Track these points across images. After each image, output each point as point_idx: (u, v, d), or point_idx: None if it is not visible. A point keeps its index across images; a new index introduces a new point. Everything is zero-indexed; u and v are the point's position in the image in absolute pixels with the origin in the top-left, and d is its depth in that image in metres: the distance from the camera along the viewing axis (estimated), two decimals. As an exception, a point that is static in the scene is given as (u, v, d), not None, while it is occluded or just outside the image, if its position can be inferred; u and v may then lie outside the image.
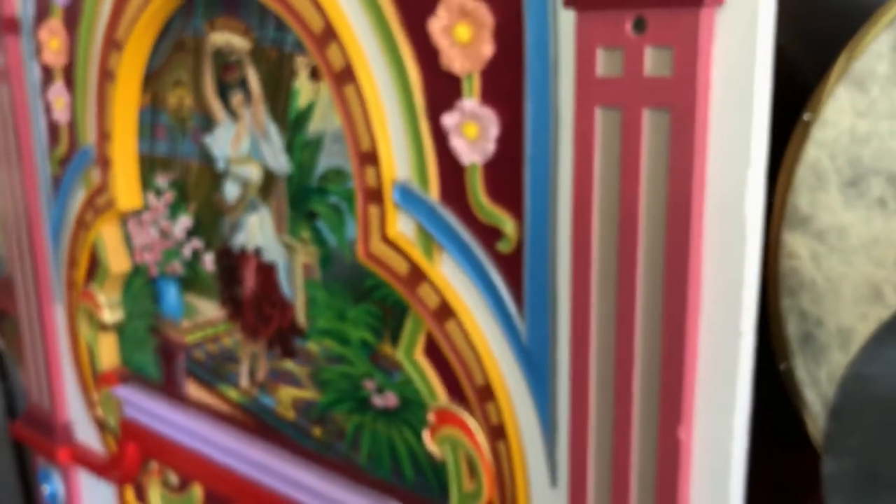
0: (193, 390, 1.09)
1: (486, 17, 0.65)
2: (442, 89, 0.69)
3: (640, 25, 0.56)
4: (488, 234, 0.70)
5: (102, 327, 1.17)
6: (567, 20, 0.60)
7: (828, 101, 0.59)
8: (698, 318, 0.59)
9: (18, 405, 1.97)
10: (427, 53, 0.70)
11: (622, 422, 0.63)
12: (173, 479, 1.12)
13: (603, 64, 0.58)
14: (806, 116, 0.60)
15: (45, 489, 1.34)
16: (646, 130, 0.57)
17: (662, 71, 0.56)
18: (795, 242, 0.62)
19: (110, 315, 1.16)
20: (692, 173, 0.56)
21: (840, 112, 0.58)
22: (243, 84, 0.91)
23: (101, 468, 1.22)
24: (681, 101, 0.55)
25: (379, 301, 0.82)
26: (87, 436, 1.25)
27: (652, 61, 0.56)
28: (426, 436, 0.78)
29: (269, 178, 0.91)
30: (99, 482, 1.25)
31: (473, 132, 0.68)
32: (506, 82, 0.66)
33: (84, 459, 1.26)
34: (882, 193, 0.58)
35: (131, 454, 1.15)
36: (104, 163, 1.05)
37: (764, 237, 0.64)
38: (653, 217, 0.58)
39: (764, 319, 0.66)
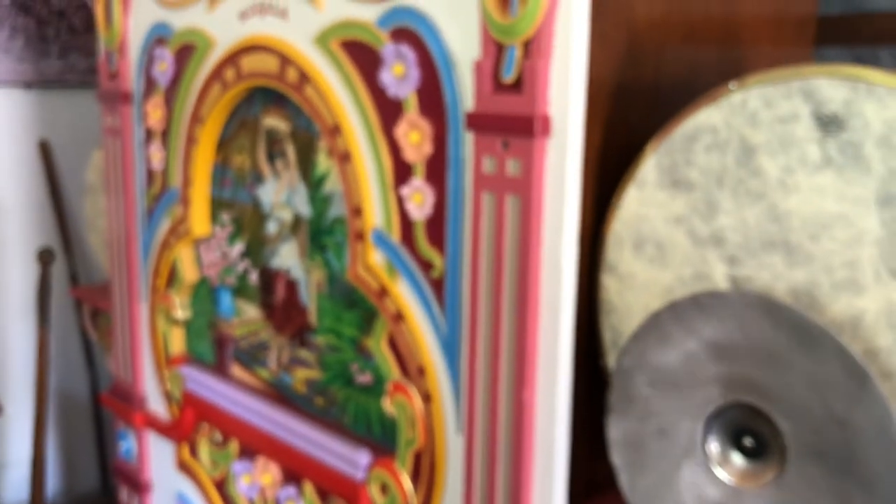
0: (237, 370, 1.48)
1: (428, 129, 1.03)
2: (402, 171, 1.07)
3: (506, 145, 0.94)
4: (426, 266, 1.07)
5: (175, 322, 1.57)
6: (469, 138, 0.98)
7: (624, 193, 0.95)
8: (537, 323, 0.95)
9: (100, 386, 2.41)
10: (394, 148, 1.08)
11: (493, 388, 1.00)
12: (218, 436, 1.50)
13: (486, 165, 0.96)
14: (613, 202, 0.96)
15: (122, 445, 1.74)
16: (507, 208, 0.94)
17: (516, 173, 0.93)
18: (607, 281, 0.98)
19: (182, 313, 1.56)
20: (530, 235, 0.92)
21: (630, 201, 0.95)
22: (284, 154, 1.31)
23: (165, 429, 1.62)
24: (525, 191, 0.92)
25: (362, 308, 1.20)
26: (156, 405, 1.65)
27: (511, 167, 0.94)
28: (385, 401, 1.15)
29: (297, 220, 1.31)
30: (162, 441, 1.64)
31: (419, 199, 1.06)
32: (438, 169, 1.03)
33: (153, 423, 1.65)
34: (652, 253, 0.94)
35: (189, 418, 1.55)
36: (185, 202, 1.46)
37: (594, 277, 1.01)
38: (511, 260, 0.95)
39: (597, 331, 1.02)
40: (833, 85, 0.79)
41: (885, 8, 1.36)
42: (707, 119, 0.88)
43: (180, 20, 1.41)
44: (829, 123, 0.79)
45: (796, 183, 0.83)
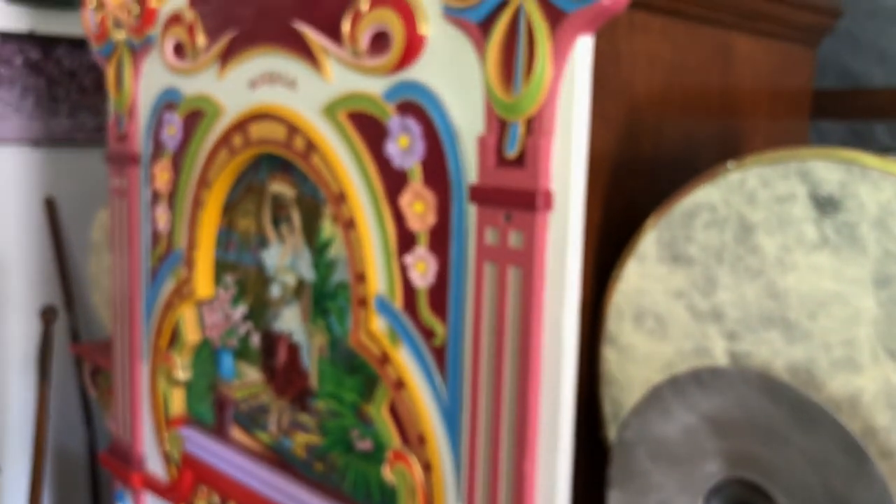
0: (237, 433, 1.48)
1: (432, 200, 1.05)
2: (406, 239, 1.09)
3: (508, 217, 0.96)
4: (428, 334, 1.08)
5: (175, 383, 1.58)
6: (472, 209, 1.00)
7: (624, 267, 0.97)
8: (538, 394, 0.96)
9: (98, 444, 2.39)
10: (399, 217, 1.10)
11: (493, 458, 1.00)
12: (216, 499, 1.50)
13: (489, 236, 0.98)
14: (613, 275, 0.98)
15: (119, 507, 1.73)
16: (509, 278, 0.96)
17: (518, 245, 0.95)
18: (607, 352, 0.99)
19: (183, 374, 1.56)
20: (532, 306, 0.94)
21: (631, 274, 0.96)
22: (289, 219, 1.33)
23: (164, 491, 1.61)
24: (527, 263, 0.94)
25: (364, 374, 1.21)
26: (155, 466, 1.64)
27: (513, 239, 0.95)
28: (385, 469, 1.15)
29: (301, 284, 1.32)
30: (160, 502, 1.63)
31: (423, 268, 1.07)
32: (441, 239, 1.05)
33: (151, 484, 1.64)
34: (652, 326, 0.95)
35: (188, 480, 1.54)
36: (190, 264, 1.48)
37: (594, 348, 1.02)
38: (513, 330, 0.96)
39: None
40: (829, 167, 0.81)
41: (879, 84, 1.39)
42: (706, 197, 0.90)
43: (190, 86, 1.44)
44: (825, 204, 0.81)
45: (794, 261, 0.84)
